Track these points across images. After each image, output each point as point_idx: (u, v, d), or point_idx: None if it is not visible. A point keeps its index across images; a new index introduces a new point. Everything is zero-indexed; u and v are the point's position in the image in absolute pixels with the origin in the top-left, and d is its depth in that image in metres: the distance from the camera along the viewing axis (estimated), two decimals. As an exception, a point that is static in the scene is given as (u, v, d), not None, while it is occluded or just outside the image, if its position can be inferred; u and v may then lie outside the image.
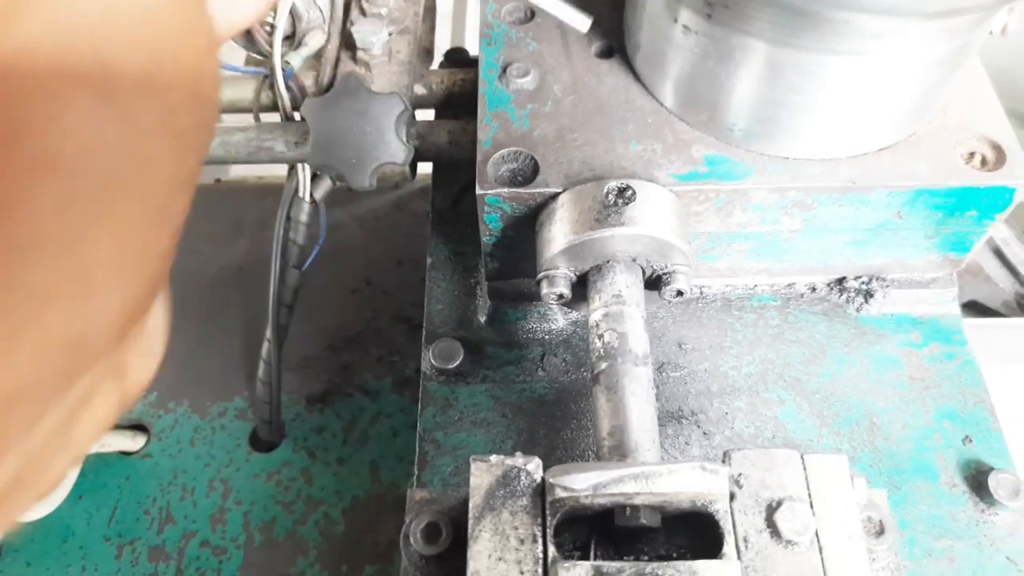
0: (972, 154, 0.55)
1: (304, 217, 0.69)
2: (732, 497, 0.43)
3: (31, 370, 0.20)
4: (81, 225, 0.21)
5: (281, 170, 0.71)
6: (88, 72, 0.21)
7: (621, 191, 0.51)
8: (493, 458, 0.45)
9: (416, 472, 0.57)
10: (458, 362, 0.60)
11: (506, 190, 0.53)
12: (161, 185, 0.23)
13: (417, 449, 0.58)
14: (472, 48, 0.71)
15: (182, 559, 0.70)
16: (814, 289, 0.63)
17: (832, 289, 0.63)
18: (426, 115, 0.69)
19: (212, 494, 0.74)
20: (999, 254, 0.85)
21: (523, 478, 0.44)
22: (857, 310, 0.63)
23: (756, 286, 0.63)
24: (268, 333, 0.71)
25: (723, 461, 0.45)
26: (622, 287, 0.51)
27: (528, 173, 0.54)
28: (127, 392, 0.27)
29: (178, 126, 0.23)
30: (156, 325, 0.28)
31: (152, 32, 0.23)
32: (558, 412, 0.59)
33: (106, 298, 0.22)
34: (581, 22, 0.48)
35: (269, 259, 0.70)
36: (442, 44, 0.75)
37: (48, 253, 0.20)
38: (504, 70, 0.58)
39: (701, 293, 0.63)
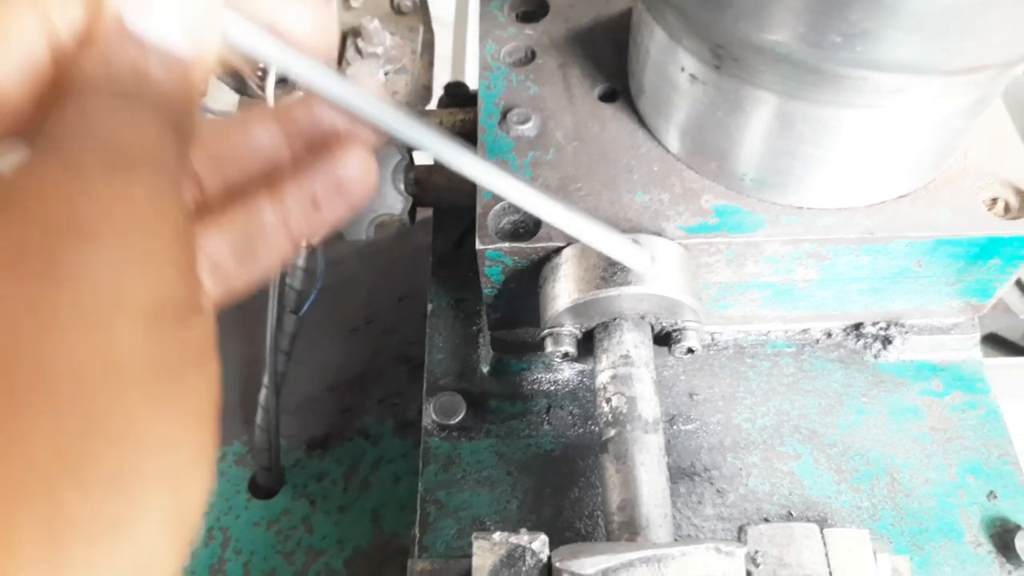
0: (995, 200, 0.52)
1: (301, 262, 0.67)
2: (749, 577, 0.41)
3: None
4: None
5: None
6: None
7: (628, 247, 0.49)
8: (496, 536, 0.43)
9: (417, 535, 0.55)
10: (460, 417, 0.58)
11: (507, 244, 0.51)
12: None
13: (419, 510, 0.56)
14: (472, 78, 0.69)
15: (180, 613, 0.68)
16: (830, 335, 0.61)
17: (848, 335, 0.61)
18: (425, 156, 0.67)
19: (211, 543, 0.72)
20: (1020, 285, 0.82)
21: (528, 558, 0.42)
22: (875, 357, 0.60)
23: (769, 332, 0.61)
24: (265, 380, 0.69)
25: (738, 537, 0.43)
26: (630, 347, 0.49)
27: (530, 225, 0.52)
28: None
29: None
30: None
31: None
32: (565, 469, 0.57)
33: None
34: (640, 263, 0.46)
35: (267, 299, 0.68)
36: (441, 72, 0.73)
37: None
38: (504, 116, 0.56)
39: (713, 340, 0.61)
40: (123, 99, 0.25)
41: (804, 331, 0.61)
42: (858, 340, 0.61)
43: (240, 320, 0.83)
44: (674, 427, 0.58)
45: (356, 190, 0.33)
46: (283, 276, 0.67)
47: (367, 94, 0.32)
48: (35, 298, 0.20)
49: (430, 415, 0.59)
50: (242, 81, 0.62)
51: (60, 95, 0.25)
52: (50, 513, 0.20)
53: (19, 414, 0.20)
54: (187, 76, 0.27)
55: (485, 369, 0.61)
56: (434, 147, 0.34)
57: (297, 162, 0.33)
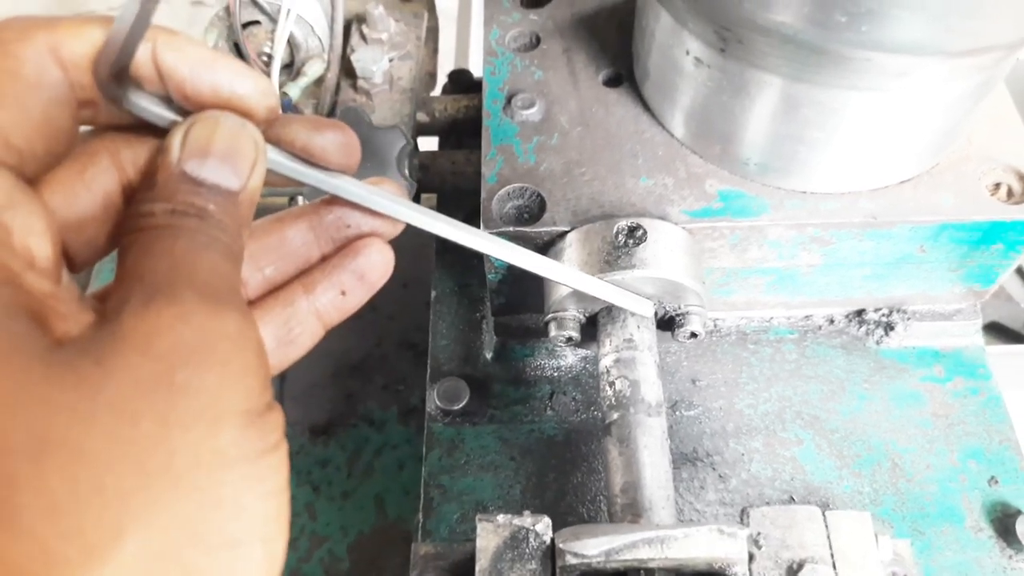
0: (997, 185, 0.52)
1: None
2: (751, 559, 0.41)
3: None
4: None
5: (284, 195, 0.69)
6: None
7: (631, 231, 0.49)
8: (500, 518, 0.43)
9: (421, 520, 0.55)
10: (464, 402, 0.58)
11: (511, 229, 0.51)
12: None
13: (422, 495, 0.56)
14: (476, 67, 0.69)
15: (184, 599, 0.69)
16: (832, 321, 0.61)
17: (851, 321, 0.61)
18: (430, 142, 0.67)
19: (215, 529, 0.73)
20: (1022, 274, 0.82)
21: (532, 540, 0.42)
22: (877, 343, 0.60)
23: (772, 319, 0.61)
24: (270, 366, 0.70)
25: (741, 519, 0.43)
26: (633, 331, 0.49)
27: (534, 210, 0.52)
28: None
29: None
30: None
31: None
32: (568, 454, 0.57)
33: None
34: (644, 308, 0.49)
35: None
36: (445, 59, 0.73)
37: None
38: (509, 101, 0.56)
39: (715, 326, 0.61)
40: (192, 235, 0.30)
41: (807, 317, 0.61)
42: (860, 326, 0.61)
43: (244, 307, 0.83)
44: (676, 413, 0.58)
45: (376, 277, 0.38)
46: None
47: (388, 193, 0.37)
48: (162, 410, 0.26)
49: (434, 400, 0.59)
50: (246, 66, 0.62)
51: (131, 231, 0.30)
52: (181, 572, 0.25)
53: (153, 497, 0.25)
54: (237, 207, 0.31)
55: (489, 355, 0.62)
56: (452, 234, 0.41)
57: (325, 256, 0.38)
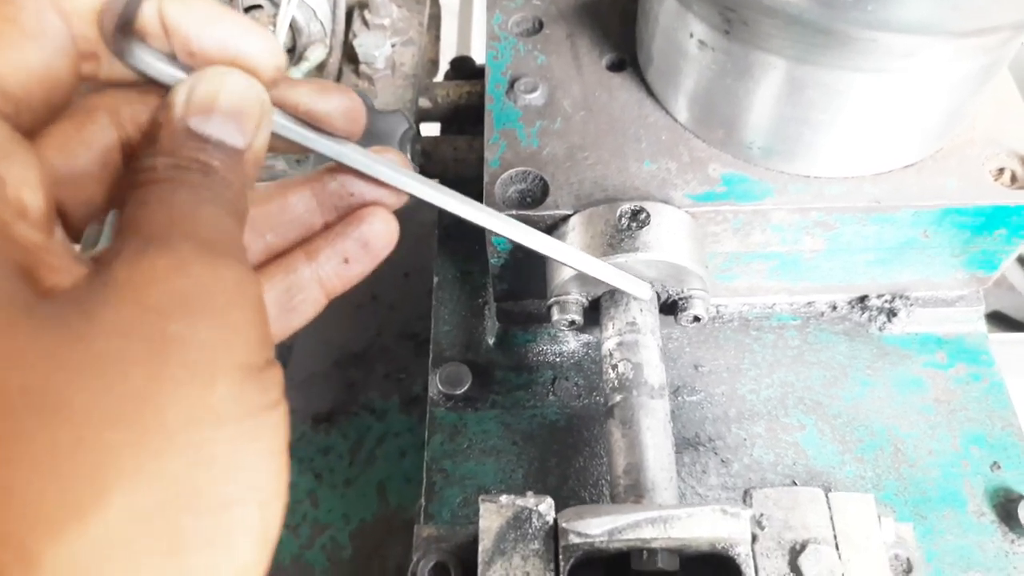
0: (1001, 170, 0.52)
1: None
2: (754, 539, 0.41)
3: None
4: None
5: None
6: None
7: (635, 214, 0.49)
8: (503, 498, 0.43)
9: (424, 503, 0.55)
10: (466, 387, 0.58)
11: (515, 212, 0.51)
12: None
13: (424, 479, 0.56)
14: (478, 55, 0.69)
15: (186, 585, 0.69)
16: (835, 308, 0.61)
17: (854, 307, 0.61)
18: (432, 128, 0.67)
19: (217, 517, 0.73)
20: (1024, 263, 0.82)
21: (535, 520, 0.42)
22: (880, 329, 0.60)
23: (775, 305, 0.61)
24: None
25: (744, 500, 0.43)
26: (636, 314, 0.49)
27: (537, 194, 0.52)
28: None
29: None
30: None
31: None
32: (570, 439, 0.57)
33: None
34: (643, 291, 0.49)
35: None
36: (447, 50, 0.73)
37: None
38: (511, 85, 0.56)
39: (718, 312, 0.61)
40: (194, 190, 0.29)
41: (809, 304, 0.61)
42: (863, 313, 0.61)
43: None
44: (679, 398, 0.58)
45: (381, 246, 0.38)
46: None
47: (393, 163, 0.37)
48: (154, 364, 0.25)
49: (436, 385, 0.59)
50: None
51: (131, 186, 0.29)
52: (172, 533, 0.24)
53: (142, 455, 0.24)
54: (242, 165, 0.31)
55: (491, 341, 0.62)
56: (455, 207, 0.40)
57: (328, 224, 0.38)
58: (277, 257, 0.37)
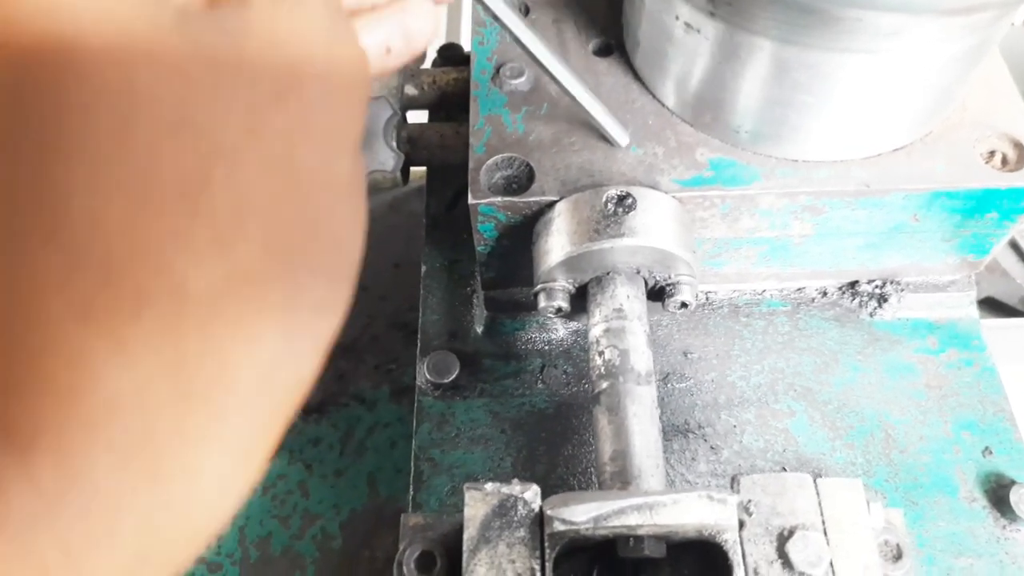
0: (992, 153, 0.52)
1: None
2: (741, 525, 0.41)
3: None
4: None
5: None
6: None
7: (621, 199, 0.48)
8: (488, 486, 0.43)
9: (411, 492, 0.55)
10: (454, 375, 0.58)
11: (500, 199, 0.50)
12: None
13: (412, 468, 0.56)
14: (467, 43, 0.68)
15: (176, 577, 0.68)
16: (825, 293, 0.60)
17: (844, 293, 0.60)
18: (419, 116, 0.67)
19: (207, 508, 0.72)
20: (1016, 248, 0.81)
21: (520, 508, 0.42)
22: (870, 315, 0.60)
23: (765, 291, 0.60)
24: (260, 344, 0.69)
25: (731, 486, 0.43)
26: (623, 300, 0.49)
27: (523, 180, 0.52)
28: None
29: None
30: None
31: None
32: (558, 427, 0.56)
33: None
34: (620, 136, 0.49)
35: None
36: (435, 38, 0.72)
37: None
38: (497, 71, 0.56)
39: (707, 299, 0.60)
40: None
41: (799, 290, 0.60)
42: (854, 298, 0.60)
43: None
44: (668, 385, 0.58)
45: (420, 38, 0.37)
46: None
47: None
48: (297, 123, 0.25)
49: (424, 374, 0.58)
50: None
51: None
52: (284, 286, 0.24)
53: (275, 203, 0.24)
54: None
55: (479, 329, 0.61)
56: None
57: (375, 6, 0.36)
58: None
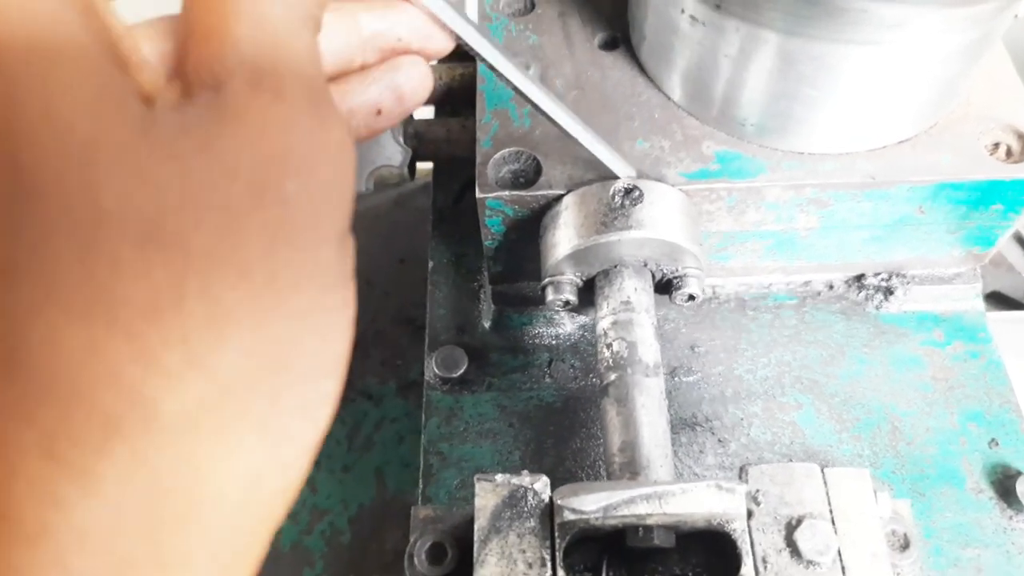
0: (997, 145, 0.52)
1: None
2: (750, 515, 0.41)
3: None
4: None
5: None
6: None
7: (628, 192, 0.49)
8: (499, 477, 0.43)
9: (421, 486, 0.55)
10: (462, 370, 0.58)
11: (507, 193, 0.51)
12: None
13: (421, 462, 0.56)
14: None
15: (186, 572, 0.69)
16: (831, 287, 0.61)
17: (850, 286, 0.60)
18: (426, 112, 0.67)
19: (216, 504, 0.73)
20: (1022, 242, 0.82)
21: (530, 498, 0.42)
22: (877, 308, 0.60)
23: (771, 285, 0.60)
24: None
25: (740, 476, 0.43)
26: (631, 293, 0.49)
27: (530, 174, 0.52)
28: None
29: None
30: None
31: None
32: (566, 421, 0.57)
33: None
34: (622, 169, 0.49)
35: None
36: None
37: None
38: (504, 66, 0.56)
39: (714, 293, 0.61)
40: (272, 26, 0.25)
41: (806, 283, 0.60)
42: (860, 292, 0.60)
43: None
44: (675, 379, 0.58)
45: (414, 98, 0.36)
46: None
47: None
48: (271, 219, 0.23)
49: (432, 368, 0.59)
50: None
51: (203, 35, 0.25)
52: (271, 394, 0.24)
53: (258, 311, 0.23)
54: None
55: (487, 324, 0.61)
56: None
57: (363, 66, 0.35)
58: None
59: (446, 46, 0.37)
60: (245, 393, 0.23)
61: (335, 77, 0.34)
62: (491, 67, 0.41)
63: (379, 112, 0.35)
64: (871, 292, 0.60)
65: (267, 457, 0.24)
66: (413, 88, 0.36)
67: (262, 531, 0.26)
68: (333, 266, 0.26)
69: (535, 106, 0.44)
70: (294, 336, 0.24)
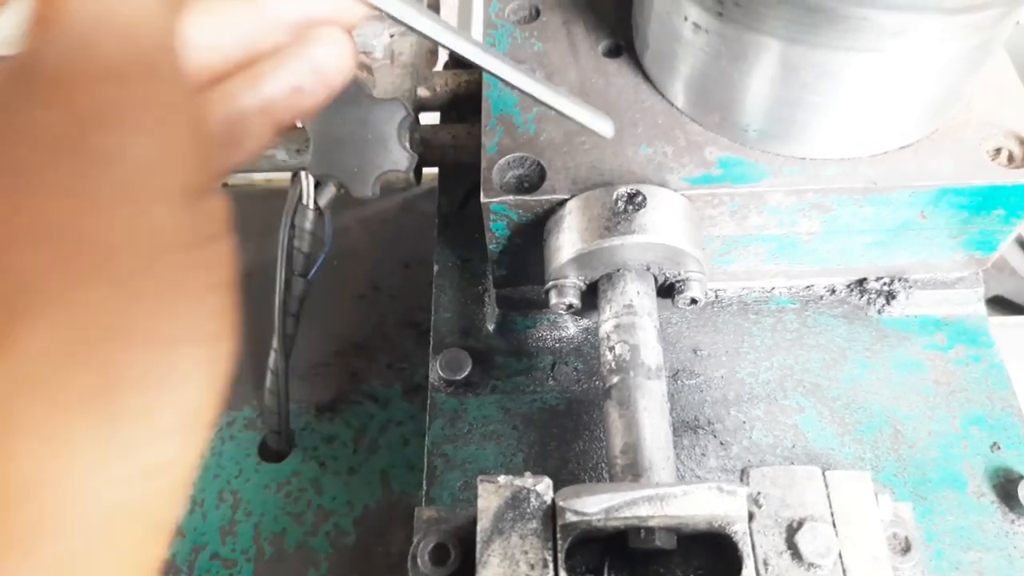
0: (998, 150, 0.52)
1: (308, 225, 0.67)
2: (751, 517, 0.41)
3: None
4: None
5: (288, 173, 0.69)
6: None
7: (631, 197, 0.49)
8: (501, 479, 0.43)
9: (425, 487, 0.55)
10: (466, 372, 0.59)
11: (512, 198, 0.51)
12: None
13: (425, 463, 0.56)
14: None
15: (192, 573, 0.69)
16: (834, 291, 0.61)
17: (852, 291, 0.61)
18: (431, 118, 0.68)
19: (222, 506, 0.73)
20: (1025, 247, 0.82)
21: (533, 500, 0.43)
22: (879, 312, 0.61)
23: (773, 289, 0.61)
24: (275, 343, 0.70)
25: (741, 479, 0.43)
26: (633, 296, 0.49)
27: (535, 179, 0.52)
28: None
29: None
30: None
31: None
32: (569, 423, 0.57)
33: None
34: (603, 128, 0.44)
35: (275, 265, 0.68)
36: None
37: None
38: (508, 72, 0.56)
39: (717, 297, 0.61)
40: None
41: (808, 287, 0.61)
42: (862, 296, 0.61)
43: (247, 287, 0.84)
44: (678, 382, 0.58)
45: (335, 72, 0.34)
46: (291, 239, 0.68)
47: None
48: (84, 179, 0.22)
49: (437, 371, 0.59)
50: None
51: None
52: (101, 369, 0.22)
53: (66, 281, 0.21)
54: None
55: (491, 327, 0.62)
56: (437, 33, 0.37)
57: (277, 48, 0.33)
58: (214, 82, 0.32)
59: (361, 13, 0.34)
60: (65, 371, 0.21)
61: (244, 63, 0.32)
62: (418, 31, 0.36)
63: (299, 90, 0.33)
64: (873, 296, 0.60)
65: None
66: (332, 61, 0.33)
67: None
68: (174, 224, 0.24)
69: (488, 71, 0.41)
70: (122, 304, 0.22)
